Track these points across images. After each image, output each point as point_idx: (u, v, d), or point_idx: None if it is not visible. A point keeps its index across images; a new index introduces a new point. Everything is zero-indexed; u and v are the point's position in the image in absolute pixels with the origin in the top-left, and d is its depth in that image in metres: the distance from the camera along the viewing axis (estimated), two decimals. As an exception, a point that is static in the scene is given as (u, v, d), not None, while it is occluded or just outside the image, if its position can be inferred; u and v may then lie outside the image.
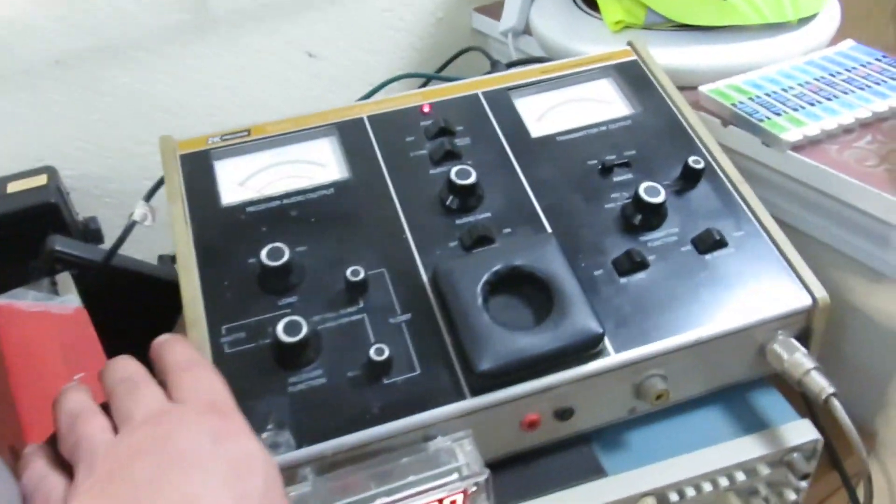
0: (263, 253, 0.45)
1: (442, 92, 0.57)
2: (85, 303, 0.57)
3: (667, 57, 0.64)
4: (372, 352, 0.42)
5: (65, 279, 0.57)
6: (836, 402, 0.44)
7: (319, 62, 0.81)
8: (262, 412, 0.42)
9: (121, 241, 0.61)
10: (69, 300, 0.55)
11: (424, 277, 0.47)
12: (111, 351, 0.60)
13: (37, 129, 0.69)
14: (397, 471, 0.41)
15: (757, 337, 0.47)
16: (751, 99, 0.61)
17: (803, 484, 0.48)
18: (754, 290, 0.47)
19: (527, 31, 0.79)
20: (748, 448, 0.46)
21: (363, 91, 0.70)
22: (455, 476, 0.40)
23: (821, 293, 0.47)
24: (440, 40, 0.88)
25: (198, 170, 0.52)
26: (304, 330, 0.43)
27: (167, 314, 0.66)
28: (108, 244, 0.61)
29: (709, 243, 0.48)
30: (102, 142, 0.72)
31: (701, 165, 0.51)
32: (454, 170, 0.50)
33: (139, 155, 0.75)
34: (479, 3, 0.88)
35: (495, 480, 0.42)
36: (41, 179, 0.65)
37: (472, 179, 0.49)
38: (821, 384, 0.44)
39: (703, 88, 0.62)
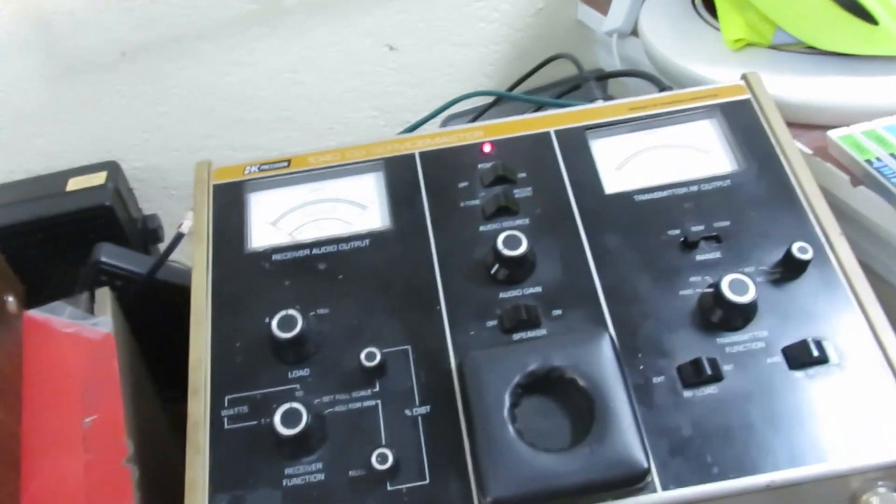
0: (275, 322, 0.41)
1: (508, 128, 0.50)
2: (126, 313, 0.56)
3: (792, 88, 0.53)
4: (374, 458, 0.37)
5: (103, 297, 0.55)
6: None
7: (401, 55, 0.74)
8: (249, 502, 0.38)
9: (167, 254, 0.58)
10: (102, 323, 0.53)
11: (453, 362, 0.41)
12: (152, 364, 0.59)
13: (104, 121, 0.68)
14: None
15: (850, 485, 0.38)
16: (892, 155, 0.49)
17: None
18: (855, 426, 0.38)
19: (634, 32, 0.69)
20: None
21: (446, 87, 0.63)
22: None
23: (942, 438, 0.37)
24: (539, 32, 0.79)
25: (230, 205, 0.48)
26: (304, 421, 0.38)
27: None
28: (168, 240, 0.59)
29: (804, 357, 0.39)
30: (168, 134, 0.70)
31: (808, 256, 0.41)
32: (502, 237, 0.43)
33: (205, 148, 0.72)
34: (586, -9, 0.78)
35: None
36: (100, 178, 0.64)
37: (521, 250, 0.42)
38: (923, 567, 0.35)
39: (832, 134, 0.51)
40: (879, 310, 0.41)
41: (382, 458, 0.37)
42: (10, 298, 0.52)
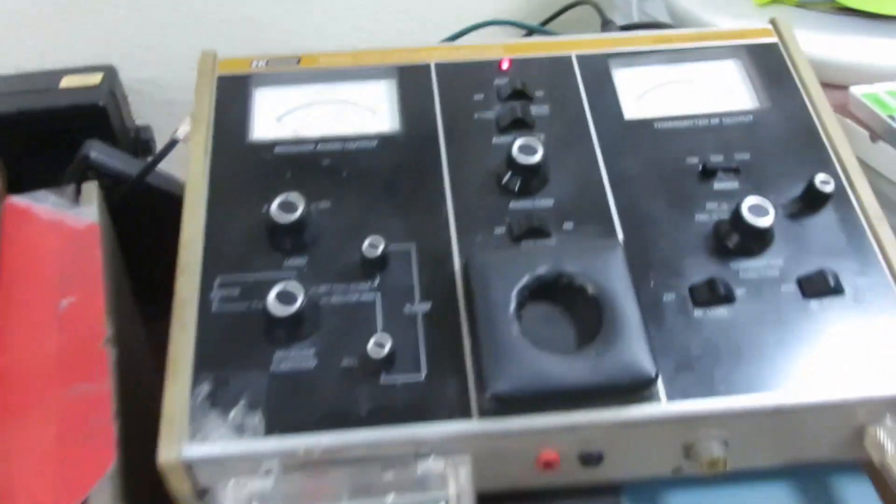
0: (275, 204, 0.39)
1: (528, 48, 0.48)
2: (112, 216, 0.53)
3: (818, 45, 0.53)
4: (371, 345, 0.35)
5: (89, 190, 0.53)
6: (946, 525, 0.33)
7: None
8: (236, 385, 0.36)
9: (158, 158, 0.56)
10: (86, 213, 0.50)
11: (457, 264, 0.40)
12: (134, 275, 0.56)
13: (103, 26, 0.65)
14: (377, 486, 0.35)
15: (857, 416, 0.37)
16: (914, 113, 0.49)
17: None
18: (867, 356, 0.37)
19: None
20: (815, 549, 0.37)
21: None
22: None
23: (955, 379, 0.36)
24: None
25: (233, 96, 0.46)
26: (299, 302, 0.36)
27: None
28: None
29: (819, 286, 0.38)
30: (170, 48, 0.68)
31: (830, 188, 0.40)
32: (518, 143, 0.41)
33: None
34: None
35: None
36: (95, 78, 0.62)
37: (536, 158, 0.41)
38: (929, 497, 0.34)
39: (855, 91, 0.51)
40: (897, 250, 0.40)
41: (379, 345, 0.35)
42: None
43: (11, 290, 0.44)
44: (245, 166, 0.43)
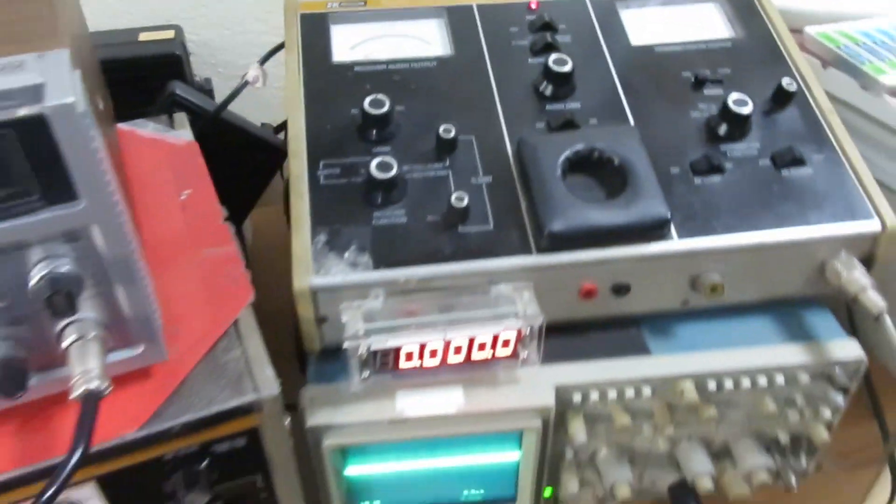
0: (367, 101, 0.49)
1: (552, -9, 0.60)
2: (196, 144, 0.63)
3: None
4: (453, 198, 0.46)
5: (181, 119, 0.63)
6: (887, 320, 0.45)
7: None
8: (346, 235, 0.46)
9: (233, 95, 0.66)
10: (183, 134, 0.60)
11: (509, 150, 0.50)
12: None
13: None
14: (460, 305, 0.45)
15: (820, 252, 0.48)
16: (857, 44, 0.61)
17: (840, 400, 0.49)
18: (825, 210, 0.48)
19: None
20: (792, 354, 0.48)
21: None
22: (512, 317, 0.44)
23: (892, 221, 0.48)
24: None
25: (315, 29, 0.56)
26: (395, 170, 0.46)
27: (264, 173, 0.72)
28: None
29: (787, 159, 0.50)
30: (226, 12, 0.78)
31: (794, 88, 0.52)
32: (552, 57, 0.52)
33: (254, 32, 0.79)
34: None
35: (547, 342, 0.45)
36: (169, 34, 0.71)
37: (567, 68, 0.52)
38: (875, 301, 0.45)
39: (810, 29, 0.63)
40: (846, 134, 0.52)
41: (460, 198, 0.46)
42: (101, 104, 0.59)
43: (137, 188, 0.53)
44: (331, 80, 0.53)
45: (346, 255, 0.45)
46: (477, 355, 0.45)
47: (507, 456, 0.50)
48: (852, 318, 0.52)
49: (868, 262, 0.49)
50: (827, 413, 0.51)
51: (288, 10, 0.57)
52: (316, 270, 0.45)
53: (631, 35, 0.57)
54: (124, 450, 0.38)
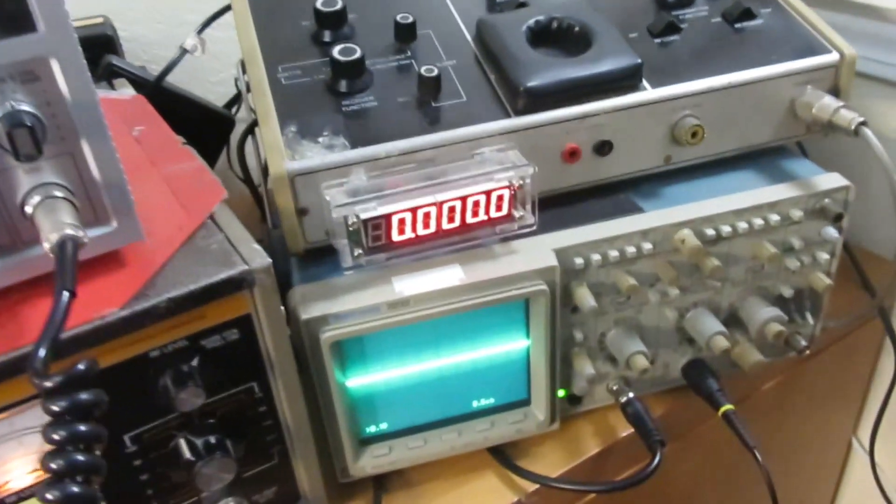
0: (319, 2, 0.48)
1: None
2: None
3: None
4: (423, 70, 0.45)
5: (122, 83, 0.60)
6: (867, 131, 0.45)
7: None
8: (317, 124, 0.44)
9: (172, 64, 0.64)
10: (127, 93, 0.58)
11: (468, 36, 0.50)
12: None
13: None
14: (447, 172, 0.43)
15: (787, 90, 0.49)
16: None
17: (834, 232, 0.49)
18: (783, 51, 0.49)
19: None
20: (782, 191, 0.48)
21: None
22: (502, 171, 0.42)
23: (848, 50, 0.49)
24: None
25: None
26: (358, 53, 0.45)
27: (214, 143, 0.69)
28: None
29: (736, 13, 0.51)
30: (157, 5, 0.76)
31: (729, -48, 0.54)
32: (501, -46, 0.53)
33: (189, 23, 0.78)
34: None
35: (542, 214, 0.44)
36: (98, 20, 0.69)
37: (516, -39, 0.52)
38: (850, 116, 0.46)
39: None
40: None
41: (429, 70, 0.45)
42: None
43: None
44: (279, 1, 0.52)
45: (321, 139, 0.43)
46: (472, 219, 0.43)
47: (517, 345, 0.48)
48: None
49: (836, 94, 0.49)
50: (824, 256, 0.50)
51: (223, -50, 0.56)
52: (291, 156, 0.42)
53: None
54: (108, 333, 0.34)
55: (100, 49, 0.67)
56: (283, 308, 0.40)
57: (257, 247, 0.38)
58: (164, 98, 0.64)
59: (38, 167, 0.32)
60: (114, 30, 0.69)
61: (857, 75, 0.51)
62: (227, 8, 0.64)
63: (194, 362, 0.37)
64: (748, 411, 0.61)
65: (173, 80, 0.68)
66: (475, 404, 0.50)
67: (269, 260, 0.37)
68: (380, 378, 0.46)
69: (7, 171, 0.32)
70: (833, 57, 0.49)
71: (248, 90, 0.48)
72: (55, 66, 0.31)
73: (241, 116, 0.71)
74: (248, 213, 0.68)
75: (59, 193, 0.32)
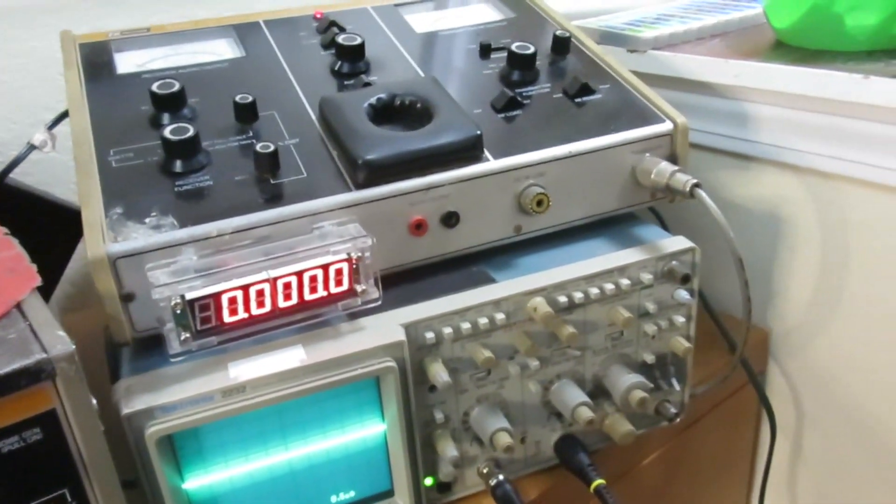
0: (155, 85, 0.47)
1: (332, 7, 0.62)
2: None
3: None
4: (258, 147, 0.43)
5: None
6: (701, 191, 0.47)
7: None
8: (145, 204, 0.42)
9: (17, 160, 0.61)
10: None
11: (312, 116, 0.49)
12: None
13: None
14: (283, 248, 0.41)
15: (626, 158, 0.50)
16: (616, 26, 0.68)
17: (687, 296, 0.49)
18: (621, 121, 0.51)
19: None
20: (630, 255, 0.48)
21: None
22: (339, 242, 0.41)
23: (680, 118, 0.51)
24: None
25: (96, 53, 0.55)
26: (192, 131, 0.44)
27: (65, 241, 0.65)
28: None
29: (577, 88, 0.53)
30: (8, 104, 0.74)
31: (567, 35, 0.56)
32: (341, 36, 0.54)
33: (43, 120, 0.76)
34: None
35: (389, 291, 0.43)
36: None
37: (358, 41, 0.53)
38: (684, 178, 0.47)
39: (576, 22, 0.70)
40: (622, 65, 0.56)
41: (265, 146, 0.43)
42: None
43: None
44: (117, 86, 0.51)
45: (147, 220, 0.41)
46: (311, 295, 0.41)
47: (372, 430, 0.45)
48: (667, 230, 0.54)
49: (674, 161, 0.51)
50: (680, 319, 0.51)
51: (65, 41, 0.55)
52: (113, 238, 0.40)
53: (415, 27, 0.61)
54: None
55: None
56: (94, 401, 0.36)
57: (62, 333, 0.35)
58: (9, 195, 0.61)
59: None
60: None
61: (695, 147, 0.54)
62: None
63: (-13, 470, 0.33)
64: (631, 486, 0.60)
65: (33, 181, 0.66)
66: (334, 499, 0.46)
67: (73, 346, 0.34)
68: (223, 476, 0.42)
69: None
70: (667, 126, 0.51)
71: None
72: None
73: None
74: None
75: None
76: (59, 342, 0.34)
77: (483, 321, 0.45)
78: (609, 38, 0.66)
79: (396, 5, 0.63)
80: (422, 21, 0.62)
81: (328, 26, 0.58)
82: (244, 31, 0.59)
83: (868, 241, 0.58)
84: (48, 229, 0.64)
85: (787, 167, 0.60)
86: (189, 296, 0.38)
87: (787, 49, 0.60)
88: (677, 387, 0.53)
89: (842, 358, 0.63)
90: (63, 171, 0.77)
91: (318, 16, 0.60)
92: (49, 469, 0.35)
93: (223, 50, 0.57)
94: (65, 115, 0.63)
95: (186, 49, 0.57)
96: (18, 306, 0.37)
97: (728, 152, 0.63)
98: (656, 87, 0.61)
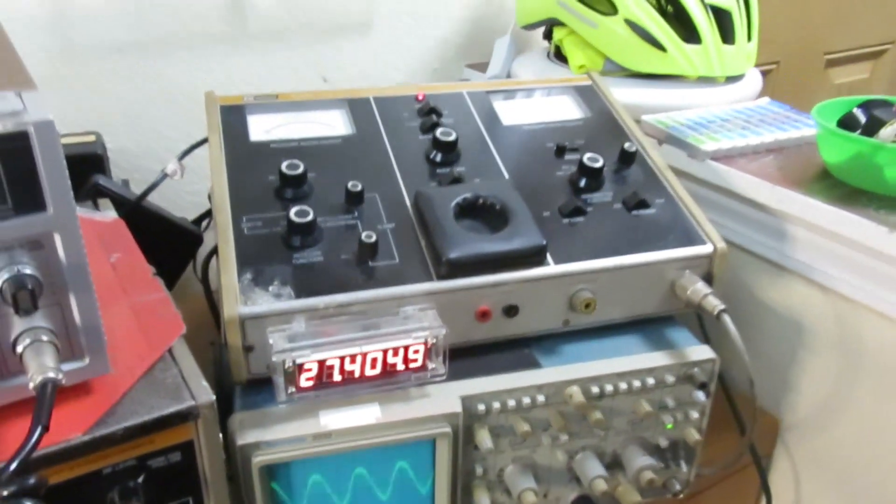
0: (283, 165, 0.57)
1: (433, 88, 0.71)
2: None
3: (619, 96, 0.79)
4: (363, 236, 0.53)
5: (105, 203, 0.68)
6: (726, 317, 0.55)
7: (330, 86, 0.95)
8: (269, 273, 0.52)
9: (152, 186, 0.72)
10: (109, 214, 0.65)
11: (408, 203, 0.59)
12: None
13: (89, 102, 0.82)
14: (373, 326, 0.51)
15: (668, 273, 0.58)
16: (682, 125, 0.76)
17: (703, 397, 0.58)
18: (669, 239, 0.59)
19: (509, 77, 0.95)
20: (657, 359, 0.57)
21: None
22: (419, 330, 0.50)
23: (720, 244, 0.59)
24: (434, 87, 1.03)
25: (233, 117, 0.65)
26: (311, 216, 0.54)
27: (182, 256, 0.77)
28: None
29: (634, 202, 0.61)
30: (140, 122, 0.85)
31: (634, 149, 0.64)
32: (439, 130, 0.63)
33: (167, 137, 0.87)
34: (470, 60, 1.04)
35: (453, 363, 0.52)
36: (91, 137, 0.78)
37: (452, 137, 0.62)
38: (714, 303, 0.56)
39: (645, 117, 0.77)
40: (678, 183, 0.64)
41: (369, 236, 0.53)
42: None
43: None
44: (250, 154, 0.61)
45: (271, 288, 0.51)
46: (391, 368, 0.51)
47: (422, 480, 0.55)
48: (704, 329, 0.62)
49: (709, 279, 0.59)
50: (695, 415, 0.59)
51: (209, 103, 0.66)
52: (243, 302, 0.50)
53: (502, 117, 0.69)
54: (70, 454, 0.40)
55: (89, 166, 0.75)
56: (220, 436, 0.46)
57: (205, 384, 0.45)
58: (141, 216, 0.72)
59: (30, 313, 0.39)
60: (104, 147, 0.77)
61: (736, 247, 0.62)
62: (205, 141, 0.73)
63: (140, 479, 0.44)
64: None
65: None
66: (385, 523, 0.57)
67: (213, 397, 0.44)
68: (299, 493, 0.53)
69: (4, 316, 0.39)
70: (708, 248, 0.59)
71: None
72: (57, 239, 0.39)
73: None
74: (204, 312, 0.75)
75: (45, 337, 0.39)
76: (203, 392, 0.45)
77: (526, 400, 0.54)
78: (673, 140, 0.74)
79: (488, 92, 0.72)
80: (509, 111, 0.71)
81: (428, 112, 0.67)
82: (356, 105, 0.68)
83: (881, 364, 0.65)
84: (168, 244, 0.75)
85: (815, 284, 0.68)
86: (299, 361, 0.48)
87: (832, 182, 0.67)
88: (685, 468, 0.62)
89: (843, 459, 0.71)
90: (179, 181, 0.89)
91: (420, 98, 0.70)
92: (181, 482, 0.46)
93: (337, 122, 0.67)
94: (196, 145, 0.75)
95: (306, 118, 0.67)
96: (170, 351, 0.48)
97: (765, 259, 0.71)
98: (710, 189, 0.69)
